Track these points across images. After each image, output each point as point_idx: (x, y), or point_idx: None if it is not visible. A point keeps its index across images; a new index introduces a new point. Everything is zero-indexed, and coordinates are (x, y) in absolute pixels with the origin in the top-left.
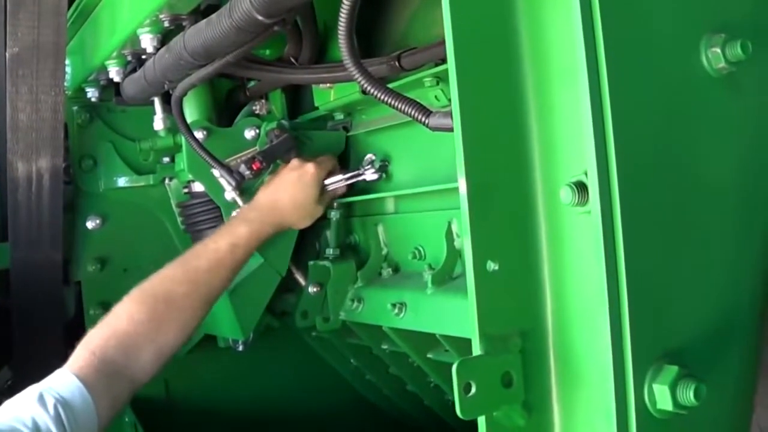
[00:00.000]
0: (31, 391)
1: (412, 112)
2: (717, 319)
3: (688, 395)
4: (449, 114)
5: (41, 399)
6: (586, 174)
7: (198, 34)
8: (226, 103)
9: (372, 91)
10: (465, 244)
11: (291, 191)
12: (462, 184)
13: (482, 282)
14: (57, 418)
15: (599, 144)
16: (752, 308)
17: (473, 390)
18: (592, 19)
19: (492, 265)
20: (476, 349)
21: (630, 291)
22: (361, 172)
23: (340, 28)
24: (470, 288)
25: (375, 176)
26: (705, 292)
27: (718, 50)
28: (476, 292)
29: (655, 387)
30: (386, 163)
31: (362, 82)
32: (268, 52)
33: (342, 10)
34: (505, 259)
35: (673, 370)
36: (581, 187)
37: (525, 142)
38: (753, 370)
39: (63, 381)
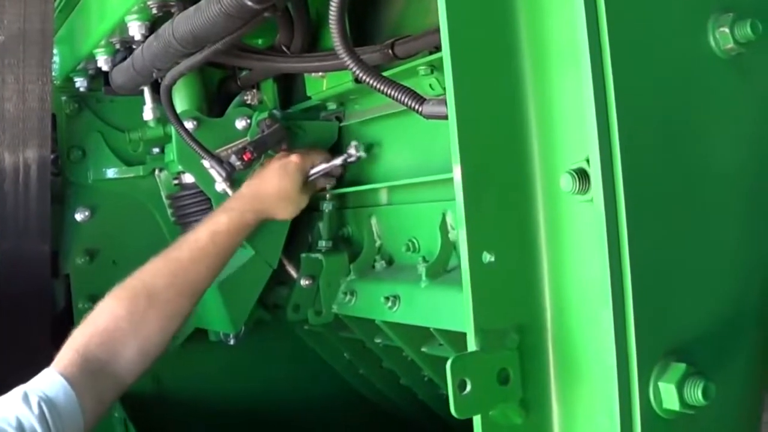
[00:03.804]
0: (16, 391)
1: (406, 100)
2: (725, 314)
3: (696, 394)
4: (444, 101)
5: (26, 398)
6: (587, 161)
7: (186, 21)
8: (217, 93)
9: (364, 78)
10: (460, 234)
11: (274, 180)
12: (456, 172)
13: (478, 274)
14: (41, 417)
15: (602, 129)
16: (762, 301)
17: (468, 387)
18: None
19: (488, 257)
20: (471, 345)
21: (634, 284)
22: (343, 157)
23: (332, 13)
24: (465, 280)
25: (354, 158)
26: (713, 285)
27: (727, 30)
28: (471, 284)
29: (661, 385)
30: (367, 148)
31: (354, 69)
32: (260, 41)
33: None
34: (501, 250)
35: (680, 367)
36: (582, 175)
37: (522, 128)
38: (762, 367)
39: (48, 380)
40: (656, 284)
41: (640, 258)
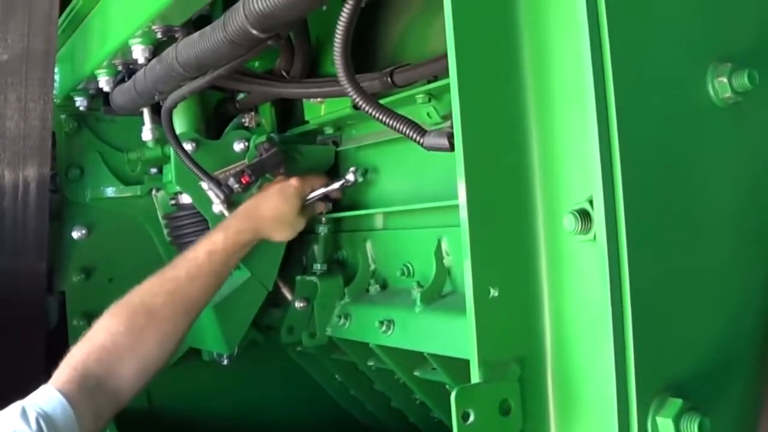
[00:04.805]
0: (14, 407)
1: (408, 131)
2: (721, 350)
3: (692, 429)
4: (444, 133)
5: (24, 414)
6: (589, 202)
7: (190, 47)
8: (215, 115)
9: (367, 109)
10: (465, 269)
11: (272, 202)
12: (463, 210)
13: (482, 308)
14: None
15: (606, 172)
16: (755, 340)
17: (471, 418)
18: (601, 47)
19: (492, 292)
20: (475, 377)
21: (635, 321)
22: (342, 182)
23: (336, 45)
24: (470, 314)
25: (352, 183)
26: (708, 322)
27: (725, 80)
28: (476, 318)
29: (659, 420)
30: (363, 173)
31: (357, 100)
32: (257, 63)
33: (338, 27)
34: (505, 285)
35: (677, 402)
36: (584, 215)
37: (526, 168)
38: (755, 404)
39: (46, 396)
40: (655, 321)
41: (641, 296)
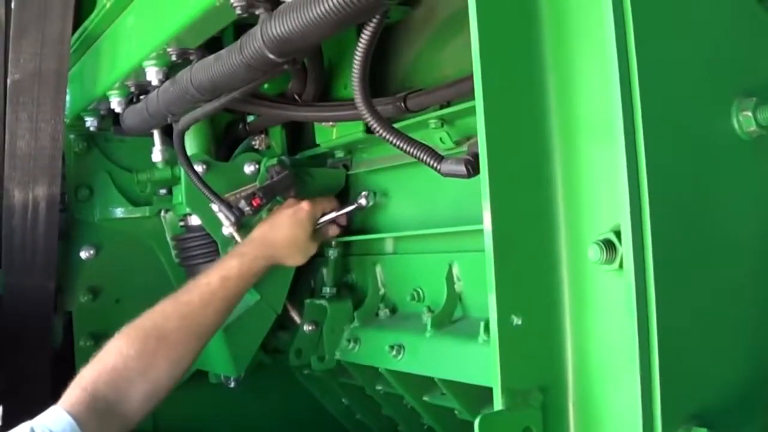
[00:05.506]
0: (22, 427)
1: (425, 158)
2: (744, 379)
3: None
4: (462, 160)
5: None
6: (614, 233)
7: (206, 69)
8: (224, 137)
9: (385, 135)
10: (489, 298)
11: (284, 227)
12: (488, 238)
13: (506, 336)
14: None
15: (634, 202)
16: None
17: None
18: (630, 79)
19: (515, 320)
20: (498, 404)
21: (661, 350)
22: (352, 205)
23: (354, 71)
24: (494, 342)
25: (364, 207)
26: (733, 352)
27: (750, 114)
28: (500, 345)
29: None
30: (376, 196)
31: (375, 126)
32: (266, 86)
33: (357, 53)
34: (528, 313)
35: None
36: (609, 245)
37: (551, 198)
38: None
39: (54, 417)
40: (681, 350)
41: (667, 325)
